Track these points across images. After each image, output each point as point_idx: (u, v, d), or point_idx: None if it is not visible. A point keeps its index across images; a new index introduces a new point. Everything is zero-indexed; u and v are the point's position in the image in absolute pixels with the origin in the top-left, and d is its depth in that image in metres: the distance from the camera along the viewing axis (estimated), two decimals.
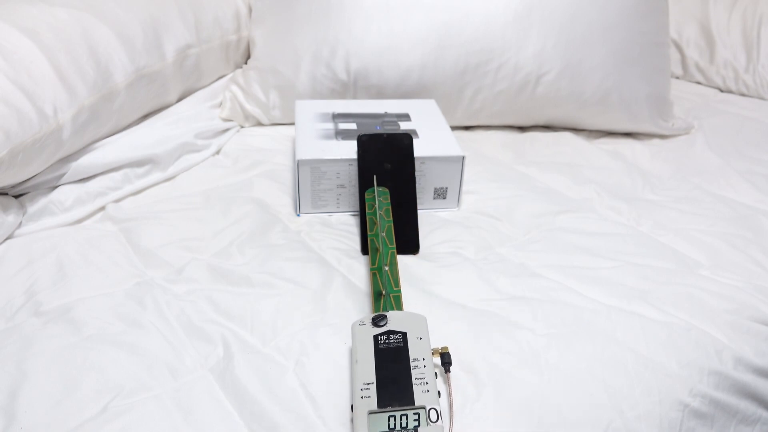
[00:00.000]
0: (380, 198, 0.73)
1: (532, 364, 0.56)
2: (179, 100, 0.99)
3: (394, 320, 0.54)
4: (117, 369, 0.54)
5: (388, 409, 0.47)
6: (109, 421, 0.49)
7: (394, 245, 0.67)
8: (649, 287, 0.66)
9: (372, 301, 0.61)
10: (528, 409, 0.51)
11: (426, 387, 0.48)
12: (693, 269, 0.70)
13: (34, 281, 0.66)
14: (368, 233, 0.69)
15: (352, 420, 0.49)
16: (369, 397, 0.48)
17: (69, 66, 0.78)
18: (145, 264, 0.69)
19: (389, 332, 0.53)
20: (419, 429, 0.46)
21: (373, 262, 0.65)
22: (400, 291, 0.61)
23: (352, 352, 0.53)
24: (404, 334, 0.53)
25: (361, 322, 0.55)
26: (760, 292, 0.66)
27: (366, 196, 0.74)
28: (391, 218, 0.71)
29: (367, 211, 0.73)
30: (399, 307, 0.59)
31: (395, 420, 0.46)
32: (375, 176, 0.74)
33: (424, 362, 0.51)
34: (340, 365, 0.55)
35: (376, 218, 0.70)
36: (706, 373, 0.57)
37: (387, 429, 0.46)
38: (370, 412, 0.47)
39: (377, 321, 0.54)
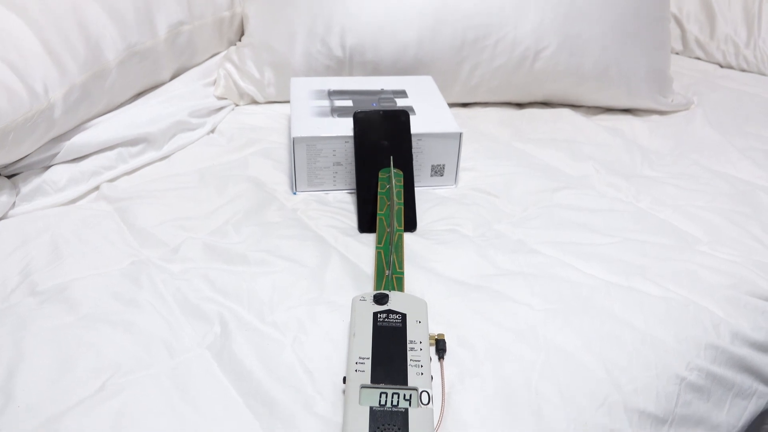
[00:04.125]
0: (395, 180, 0.72)
1: (530, 339, 0.56)
2: (172, 78, 0.98)
3: (396, 301, 0.54)
4: (114, 348, 0.54)
5: (381, 385, 0.47)
6: (106, 399, 0.49)
7: (402, 227, 0.67)
8: (648, 263, 0.66)
9: (374, 279, 0.60)
10: (526, 384, 0.51)
11: (420, 370, 0.48)
12: (691, 245, 0.69)
13: (28, 261, 0.65)
14: (378, 212, 0.69)
15: (344, 391, 0.49)
16: (363, 371, 0.48)
17: (59, 43, 0.77)
18: (141, 243, 0.69)
19: (389, 311, 0.53)
20: (410, 410, 0.46)
21: (379, 241, 0.65)
22: (403, 273, 0.61)
23: (350, 326, 0.53)
24: (404, 316, 0.53)
25: (362, 297, 0.54)
26: (759, 267, 0.66)
27: (380, 175, 0.74)
28: (402, 201, 0.70)
29: (379, 190, 0.72)
30: (400, 288, 0.59)
31: (387, 397, 0.46)
32: (391, 157, 0.74)
33: (420, 345, 0.50)
34: (338, 342, 0.55)
35: (387, 198, 0.69)
36: (704, 347, 0.57)
37: (378, 405, 0.46)
38: (363, 386, 0.47)
39: (379, 299, 0.54)
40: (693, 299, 0.61)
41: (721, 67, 1.25)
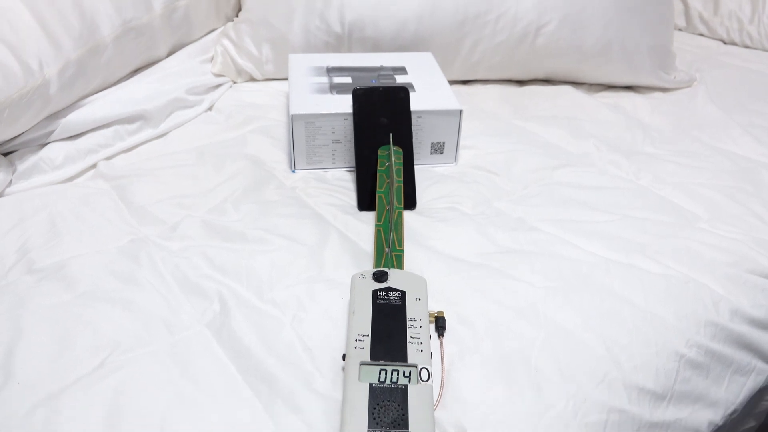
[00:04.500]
0: (394, 157, 0.72)
1: (530, 316, 0.56)
2: (169, 54, 0.97)
3: (395, 278, 0.54)
4: (112, 325, 0.54)
5: (381, 362, 0.47)
6: (106, 376, 0.49)
7: (402, 205, 0.66)
8: (648, 240, 0.65)
9: (374, 256, 0.60)
10: (525, 361, 0.51)
11: (420, 347, 0.48)
12: (692, 222, 0.69)
13: (26, 239, 0.65)
14: (377, 190, 0.68)
15: (343, 369, 0.49)
16: (362, 348, 0.48)
17: (53, 19, 0.76)
18: (139, 221, 0.68)
19: (389, 289, 0.53)
20: (409, 386, 0.46)
21: (379, 218, 0.64)
22: (402, 251, 0.60)
23: (350, 303, 0.53)
24: (403, 293, 0.53)
25: (362, 275, 0.54)
26: (759, 244, 0.66)
27: (379, 153, 0.73)
28: (402, 178, 0.70)
29: (379, 167, 0.71)
30: (400, 266, 0.59)
31: (386, 374, 0.46)
32: (391, 134, 0.73)
33: (420, 323, 0.50)
34: (337, 320, 0.55)
35: (387, 176, 0.69)
36: (703, 324, 0.57)
37: (377, 381, 0.46)
38: (362, 363, 0.47)
39: (379, 276, 0.54)
40: (693, 276, 0.61)
41: (725, 43, 1.24)
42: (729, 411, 0.57)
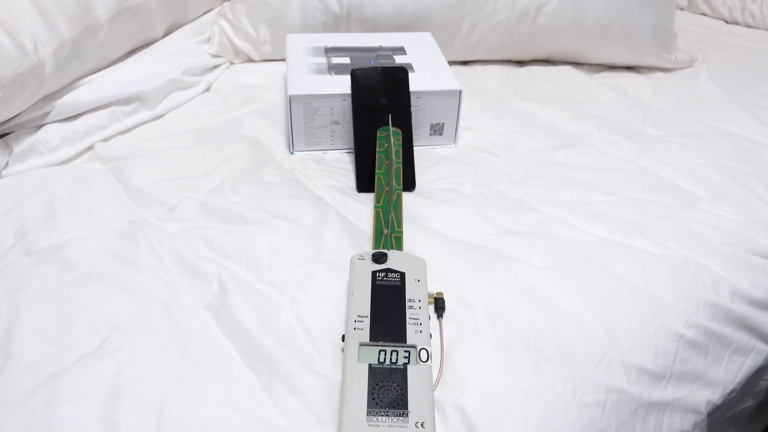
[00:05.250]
0: (393, 138, 0.71)
1: (530, 297, 0.55)
2: (165, 35, 0.96)
3: (395, 259, 0.54)
4: (111, 307, 0.54)
5: (380, 343, 0.47)
6: (105, 357, 0.49)
7: (401, 186, 0.66)
8: (648, 221, 0.65)
9: (373, 238, 0.60)
10: (525, 341, 0.51)
11: (419, 327, 0.48)
12: (693, 203, 0.69)
13: (24, 221, 0.65)
14: (376, 171, 0.68)
15: (343, 350, 0.49)
16: (362, 329, 0.48)
17: None
18: (137, 203, 0.68)
19: (388, 270, 0.53)
20: (408, 367, 0.46)
21: (378, 200, 0.64)
22: (401, 232, 0.60)
23: (349, 285, 0.52)
24: (402, 274, 0.53)
25: (361, 256, 0.54)
26: (760, 225, 0.66)
27: (378, 134, 0.72)
28: (401, 160, 0.69)
29: (377, 149, 0.71)
30: (399, 247, 0.58)
31: (386, 354, 0.46)
32: (390, 115, 0.73)
33: (419, 304, 0.50)
34: (337, 301, 0.55)
35: (386, 157, 0.68)
36: (702, 304, 0.57)
37: (377, 362, 0.46)
38: (362, 344, 0.47)
39: (378, 258, 0.54)
40: (693, 257, 0.61)
41: (727, 23, 1.22)
42: (727, 390, 0.58)
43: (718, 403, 0.57)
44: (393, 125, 0.73)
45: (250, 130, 0.81)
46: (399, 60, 0.83)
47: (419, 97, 0.77)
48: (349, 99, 0.76)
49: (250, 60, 1.00)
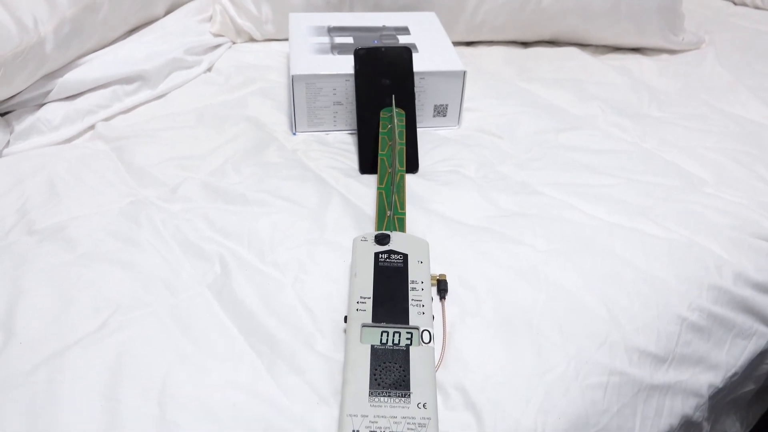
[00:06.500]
0: (397, 119, 0.70)
1: (532, 279, 0.55)
2: (167, 13, 0.95)
3: (397, 241, 0.54)
4: (113, 286, 0.54)
5: (382, 324, 0.47)
6: (108, 336, 0.49)
7: (404, 168, 0.65)
8: (652, 204, 0.65)
9: (376, 219, 0.60)
10: (527, 323, 0.51)
11: (422, 309, 0.48)
12: (697, 186, 0.68)
13: (25, 200, 0.65)
14: (379, 152, 0.67)
15: (345, 330, 0.49)
16: (364, 310, 0.48)
17: None
18: (139, 183, 0.68)
19: (391, 252, 0.53)
20: (411, 348, 0.46)
21: (381, 181, 0.64)
22: (404, 214, 0.60)
23: (352, 266, 0.52)
24: (405, 256, 0.52)
25: (364, 237, 0.54)
26: (764, 208, 0.65)
27: (381, 115, 0.72)
28: (404, 141, 0.69)
29: (381, 130, 0.70)
30: (402, 229, 0.58)
31: (388, 336, 0.46)
32: (393, 95, 0.72)
33: (422, 285, 0.50)
34: (339, 282, 0.55)
35: (389, 138, 0.68)
36: (706, 287, 0.57)
37: (379, 343, 0.46)
38: (364, 325, 0.47)
39: (380, 239, 0.53)
40: (696, 240, 0.61)
41: (735, 4, 1.21)
42: (729, 374, 0.58)
43: (720, 386, 0.57)
44: (396, 106, 0.73)
45: (252, 111, 0.81)
46: (403, 40, 0.82)
47: (423, 78, 0.76)
48: (352, 79, 0.75)
49: (252, 39, 0.99)
